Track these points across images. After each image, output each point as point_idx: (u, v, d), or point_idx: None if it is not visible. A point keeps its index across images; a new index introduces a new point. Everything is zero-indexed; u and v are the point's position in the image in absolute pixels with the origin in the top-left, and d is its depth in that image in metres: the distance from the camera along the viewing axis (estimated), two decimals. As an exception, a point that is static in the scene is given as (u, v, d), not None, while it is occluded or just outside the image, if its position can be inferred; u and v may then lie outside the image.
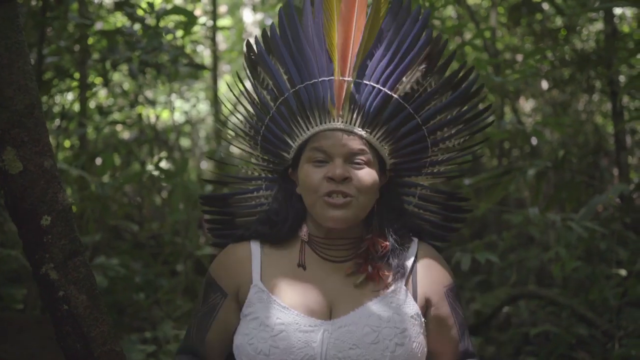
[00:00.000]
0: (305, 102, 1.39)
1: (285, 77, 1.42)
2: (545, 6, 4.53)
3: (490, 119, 1.57)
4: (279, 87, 1.42)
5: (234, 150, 1.72)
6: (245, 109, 1.51)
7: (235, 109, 1.55)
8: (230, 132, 1.60)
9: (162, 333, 2.96)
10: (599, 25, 4.74)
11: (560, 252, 2.91)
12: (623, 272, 3.01)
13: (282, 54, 1.42)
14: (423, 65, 1.41)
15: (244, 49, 1.51)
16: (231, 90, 1.58)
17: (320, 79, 1.39)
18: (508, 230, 4.26)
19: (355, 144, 1.35)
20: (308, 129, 1.40)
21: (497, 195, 3.14)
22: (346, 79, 1.38)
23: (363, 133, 1.37)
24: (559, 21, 4.84)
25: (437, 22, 3.88)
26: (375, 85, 1.38)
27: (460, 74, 1.43)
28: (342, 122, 1.37)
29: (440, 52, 1.42)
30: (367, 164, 1.35)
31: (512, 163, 4.89)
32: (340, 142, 1.34)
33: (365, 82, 1.38)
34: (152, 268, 3.58)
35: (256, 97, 1.48)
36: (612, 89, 3.73)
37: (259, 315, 1.35)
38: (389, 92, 1.38)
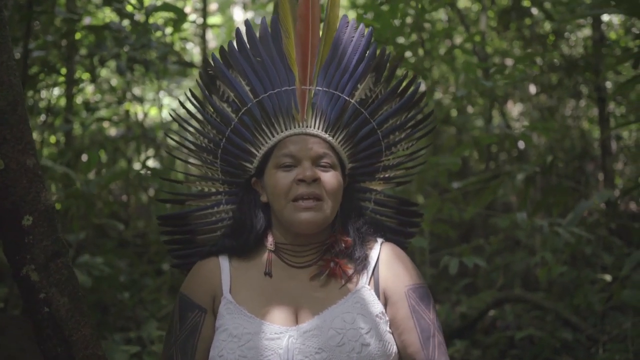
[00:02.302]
0: (269, 110, 1.46)
1: (247, 88, 1.49)
2: (535, 11, 4.55)
3: (432, 124, 1.70)
4: (241, 98, 1.48)
5: (190, 167, 1.70)
6: (202, 123, 1.54)
7: (189, 124, 1.56)
8: (183, 148, 1.60)
9: (146, 333, 2.92)
10: (586, 32, 4.78)
11: (547, 257, 2.92)
12: (608, 277, 3.03)
13: (244, 68, 1.49)
14: (373, 74, 1.53)
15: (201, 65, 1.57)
16: (185, 107, 1.59)
17: (283, 88, 1.47)
18: (495, 233, 4.28)
19: (321, 147, 1.42)
20: (273, 136, 1.45)
21: (485, 200, 3.14)
22: (307, 87, 1.47)
23: (326, 136, 1.45)
24: (547, 26, 4.87)
25: (427, 25, 3.88)
26: (334, 92, 1.48)
27: (404, 83, 1.54)
28: (307, 126, 1.45)
29: (385, 63, 1.54)
30: (332, 166, 1.42)
31: (500, 167, 4.91)
32: (307, 146, 1.41)
33: (325, 89, 1.48)
34: (137, 267, 3.54)
35: (213, 111, 1.52)
36: (599, 95, 3.76)
37: (228, 327, 1.36)
38: (347, 98, 1.48)
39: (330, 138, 1.45)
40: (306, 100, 1.46)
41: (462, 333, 3.51)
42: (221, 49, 1.53)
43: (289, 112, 1.45)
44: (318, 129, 1.44)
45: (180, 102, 1.63)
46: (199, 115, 1.54)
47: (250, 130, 1.47)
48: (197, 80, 1.56)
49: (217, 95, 1.51)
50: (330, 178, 1.39)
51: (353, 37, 1.53)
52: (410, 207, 1.62)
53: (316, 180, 1.37)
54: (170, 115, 1.62)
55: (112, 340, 2.82)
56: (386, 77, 1.55)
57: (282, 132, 1.44)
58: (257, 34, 1.54)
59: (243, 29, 1.55)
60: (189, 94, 1.56)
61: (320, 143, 1.43)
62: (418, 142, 1.61)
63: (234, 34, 1.56)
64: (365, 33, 1.54)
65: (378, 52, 1.54)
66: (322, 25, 1.52)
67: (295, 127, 1.44)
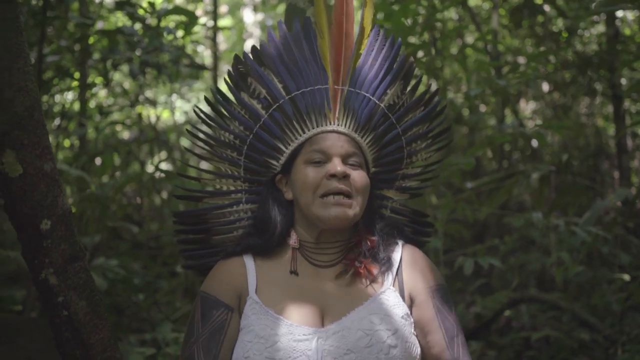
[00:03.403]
0: (301, 107, 1.48)
1: (280, 85, 1.50)
2: (547, 8, 4.52)
3: (450, 138, 1.75)
4: (274, 95, 1.50)
5: (209, 166, 1.69)
6: (228, 120, 1.54)
7: (213, 121, 1.56)
8: (204, 145, 1.59)
9: (161, 335, 2.93)
10: (600, 28, 4.73)
11: (563, 257, 2.90)
12: (626, 277, 2.99)
13: (277, 66, 1.51)
14: (401, 82, 1.57)
15: (232, 62, 1.57)
16: (210, 104, 1.59)
17: (316, 87, 1.49)
18: (509, 233, 4.25)
19: (351, 146, 1.45)
20: (305, 132, 1.47)
21: (499, 199, 3.13)
22: (340, 87, 1.48)
23: (356, 136, 1.48)
24: (560, 23, 4.83)
25: (438, 24, 3.87)
26: (365, 94, 1.50)
27: (428, 94, 1.59)
28: (338, 125, 1.47)
29: (411, 73, 1.59)
30: (360, 166, 1.45)
31: (513, 166, 4.88)
32: (338, 143, 1.43)
33: (357, 91, 1.50)
34: (151, 269, 3.56)
35: (241, 107, 1.52)
36: (614, 93, 3.72)
37: (254, 328, 1.35)
38: (377, 101, 1.51)
39: (359, 138, 1.48)
40: (338, 100, 1.48)
41: (477, 334, 3.48)
42: (253, 48, 1.56)
43: (321, 110, 1.47)
44: (349, 128, 1.47)
45: (206, 98, 1.63)
46: (225, 112, 1.55)
47: (281, 126, 1.49)
48: (224, 78, 1.57)
49: (246, 92, 1.53)
50: (359, 176, 1.42)
51: (384, 45, 1.57)
52: (422, 217, 1.66)
53: (346, 177, 1.39)
54: (195, 113, 1.60)
55: (127, 342, 2.84)
56: (412, 86, 1.59)
57: (313, 128, 1.46)
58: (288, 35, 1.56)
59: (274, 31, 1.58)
60: (215, 91, 1.57)
61: (350, 142, 1.45)
62: (436, 153, 1.65)
63: (246, 36, 1.56)
64: (395, 43, 1.59)
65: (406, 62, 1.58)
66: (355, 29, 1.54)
67: (327, 125, 1.46)
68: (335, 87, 1.48)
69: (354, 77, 1.51)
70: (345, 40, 1.50)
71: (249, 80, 1.53)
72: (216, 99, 1.56)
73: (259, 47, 1.54)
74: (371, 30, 1.55)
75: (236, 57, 1.55)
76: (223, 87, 1.61)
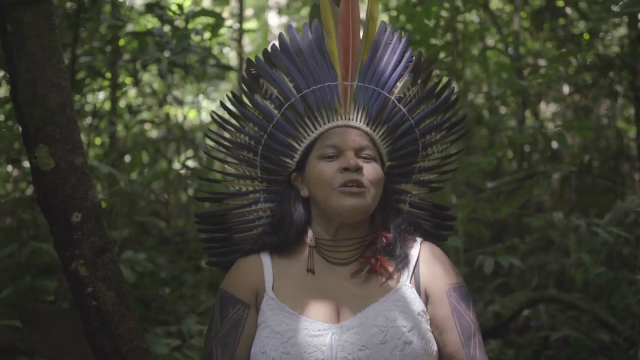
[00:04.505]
0: (312, 104, 1.50)
1: (291, 85, 1.53)
2: (569, 11, 4.48)
3: (466, 128, 1.72)
4: (285, 94, 1.53)
5: (227, 167, 1.74)
6: (243, 121, 1.58)
7: (229, 124, 1.60)
8: (221, 148, 1.63)
9: (186, 327, 3.01)
10: (622, 30, 4.68)
11: (584, 258, 2.89)
12: (646, 278, 2.98)
13: (287, 66, 1.55)
14: (410, 75, 1.57)
15: (245, 66, 1.63)
16: (225, 107, 1.63)
17: (326, 84, 1.52)
18: (528, 233, 4.24)
19: (363, 139, 1.46)
20: (316, 128, 1.50)
21: (519, 199, 3.13)
22: (349, 83, 1.51)
23: (368, 129, 1.50)
24: (581, 26, 4.79)
25: (459, 26, 3.88)
26: (375, 88, 1.52)
27: (440, 85, 1.59)
28: (349, 119, 1.49)
29: (420, 67, 1.59)
30: (374, 159, 1.46)
31: (533, 167, 4.86)
32: (350, 137, 1.45)
33: (366, 85, 1.52)
34: (177, 263, 3.65)
35: (255, 108, 1.56)
36: (636, 95, 3.69)
37: (270, 323, 1.38)
38: (387, 94, 1.53)
39: (371, 131, 1.50)
40: (348, 95, 1.50)
41: (496, 332, 3.49)
42: (264, 50, 1.59)
43: (331, 106, 1.49)
44: (360, 122, 1.49)
45: (221, 102, 1.67)
46: (239, 114, 1.59)
47: (293, 124, 1.51)
48: (239, 80, 1.62)
49: (259, 94, 1.56)
50: (372, 168, 1.43)
51: (391, 41, 1.59)
52: (443, 211, 1.64)
53: (359, 169, 1.41)
54: (211, 117, 1.65)
55: (153, 333, 2.92)
56: (423, 79, 1.59)
57: (325, 124, 1.49)
58: (300, 37, 1.59)
59: (285, 33, 1.61)
60: (229, 95, 1.61)
61: (362, 135, 1.47)
62: (452, 145, 1.65)
63: (271, 38, 1.62)
64: (403, 38, 1.61)
65: (414, 55, 1.59)
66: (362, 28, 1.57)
67: (338, 120, 1.49)
68: (345, 83, 1.51)
69: (362, 72, 1.53)
70: (352, 39, 1.53)
71: (261, 81, 1.56)
72: (232, 102, 1.59)
73: (269, 51, 1.58)
74: (378, 28, 1.57)
75: (248, 60, 1.60)
76: (237, 90, 1.65)
